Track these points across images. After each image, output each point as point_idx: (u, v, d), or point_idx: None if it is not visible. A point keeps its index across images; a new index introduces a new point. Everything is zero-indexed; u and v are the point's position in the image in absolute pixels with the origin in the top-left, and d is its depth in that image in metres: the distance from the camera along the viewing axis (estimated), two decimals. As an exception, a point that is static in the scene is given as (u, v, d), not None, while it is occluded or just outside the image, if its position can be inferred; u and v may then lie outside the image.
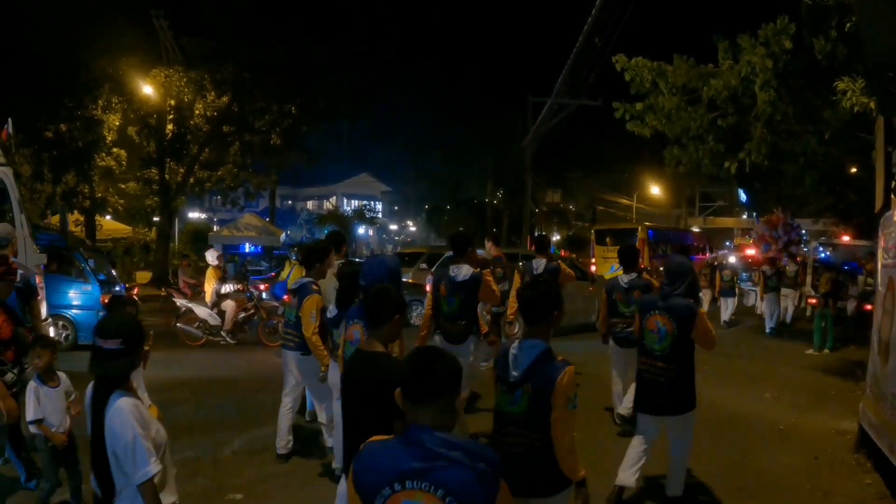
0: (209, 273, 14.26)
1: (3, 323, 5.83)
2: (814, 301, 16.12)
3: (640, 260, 9.93)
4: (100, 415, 3.33)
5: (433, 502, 2.44)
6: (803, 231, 28.07)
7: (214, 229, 38.05)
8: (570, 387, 3.82)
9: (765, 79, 12.08)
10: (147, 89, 23.94)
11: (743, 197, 54.25)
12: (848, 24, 10.67)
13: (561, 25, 66.90)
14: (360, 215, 52.85)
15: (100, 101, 23.19)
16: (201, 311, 14.04)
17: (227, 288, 15.30)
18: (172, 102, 25.27)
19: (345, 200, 70.88)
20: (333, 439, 6.80)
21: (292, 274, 10.21)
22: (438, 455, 2.47)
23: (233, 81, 25.16)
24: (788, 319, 18.84)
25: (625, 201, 50.93)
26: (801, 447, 8.29)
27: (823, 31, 11.45)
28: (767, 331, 17.46)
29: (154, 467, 3.19)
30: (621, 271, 8.55)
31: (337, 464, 6.31)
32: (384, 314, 4.16)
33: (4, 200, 10.00)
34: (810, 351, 14.73)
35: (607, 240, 28.38)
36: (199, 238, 35.74)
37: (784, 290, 18.39)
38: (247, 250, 34.57)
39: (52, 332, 9.54)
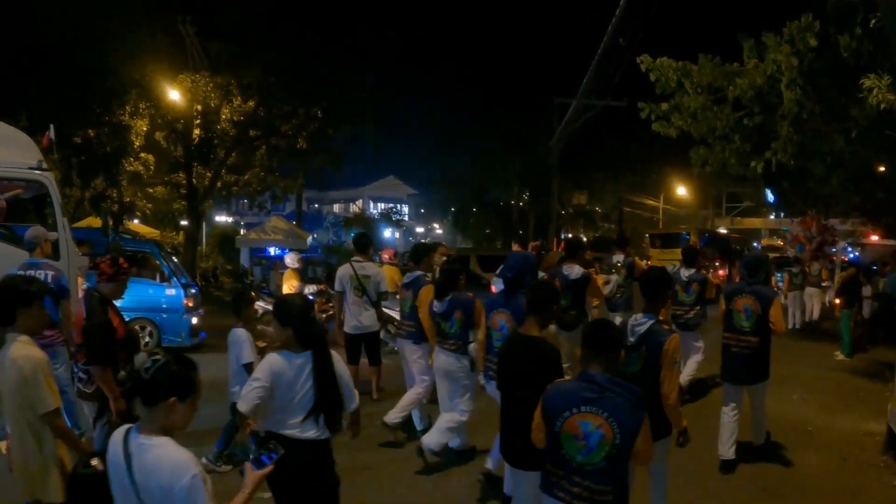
0: (288, 275, 14.34)
1: (119, 324, 6.02)
2: (837, 301, 15.94)
3: (699, 258, 10.85)
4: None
5: (599, 421, 3.73)
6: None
7: (241, 233, 38.26)
8: (675, 350, 4.97)
9: (790, 77, 11.95)
10: (174, 94, 24.12)
11: (770, 197, 53.69)
12: (873, 21, 10.57)
13: (585, 26, 66.73)
14: (387, 218, 52.95)
15: (127, 107, 23.41)
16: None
17: (311, 289, 15.45)
18: (199, 107, 25.44)
19: (371, 203, 71.11)
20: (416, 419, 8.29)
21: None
22: (606, 389, 3.77)
23: (259, 86, 25.28)
24: (815, 317, 18.65)
25: (651, 202, 50.63)
26: (829, 448, 8.24)
27: (849, 28, 11.33)
28: (789, 326, 17.25)
29: None
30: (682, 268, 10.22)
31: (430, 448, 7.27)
32: (543, 303, 5.07)
33: (47, 204, 10.21)
34: (839, 354, 14.43)
35: (657, 242, 32.29)
36: (226, 241, 36.04)
37: (809, 290, 18.23)
38: (272, 253, 34.67)
39: None
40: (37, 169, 9.97)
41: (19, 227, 9.60)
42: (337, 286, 9.72)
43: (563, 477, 3.88)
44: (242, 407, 4.49)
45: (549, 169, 34.60)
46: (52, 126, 11.36)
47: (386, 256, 14.61)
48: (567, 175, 39.21)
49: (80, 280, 9.92)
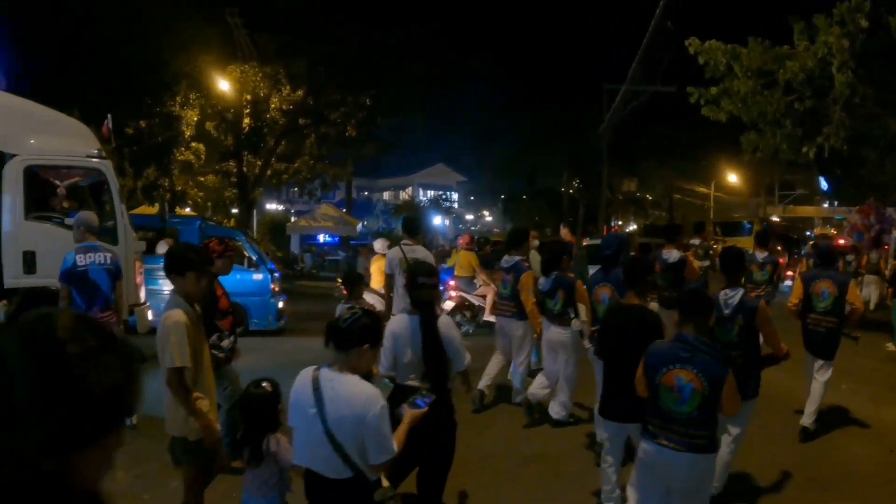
0: (377, 259, 14.42)
1: (223, 296, 6.70)
2: (889, 291, 15.55)
3: (770, 242, 11.52)
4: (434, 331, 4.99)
5: (691, 376, 4.40)
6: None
7: (292, 220, 38.62)
8: (766, 311, 5.88)
9: (842, 60, 11.69)
10: (223, 85, 24.43)
11: (824, 185, 52.52)
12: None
13: (634, 10, 65.88)
14: (436, 205, 52.99)
15: (178, 98, 23.92)
16: (370, 298, 14.27)
17: None
18: (248, 97, 25.74)
19: (421, 191, 71.17)
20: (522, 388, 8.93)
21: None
22: (696, 349, 4.45)
23: (307, 75, 25.52)
24: (871, 307, 18.21)
25: (702, 189, 49.78)
26: (877, 440, 8.09)
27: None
28: None
29: None
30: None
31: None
32: (639, 276, 5.86)
33: (105, 192, 10.52)
34: (890, 345, 14.04)
35: (718, 230, 33.52)
36: (276, 229, 36.38)
37: (867, 277, 17.84)
38: (321, 241, 35.01)
39: (150, 315, 9.92)
40: (95, 157, 10.35)
41: (74, 214, 9.89)
42: (386, 269, 9.67)
43: (660, 426, 4.55)
44: (380, 369, 5.15)
45: (598, 156, 34.33)
46: (109, 116, 11.67)
47: (462, 242, 14.70)
48: (617, 162, 38.80)
49: (137, 264, 10.27)
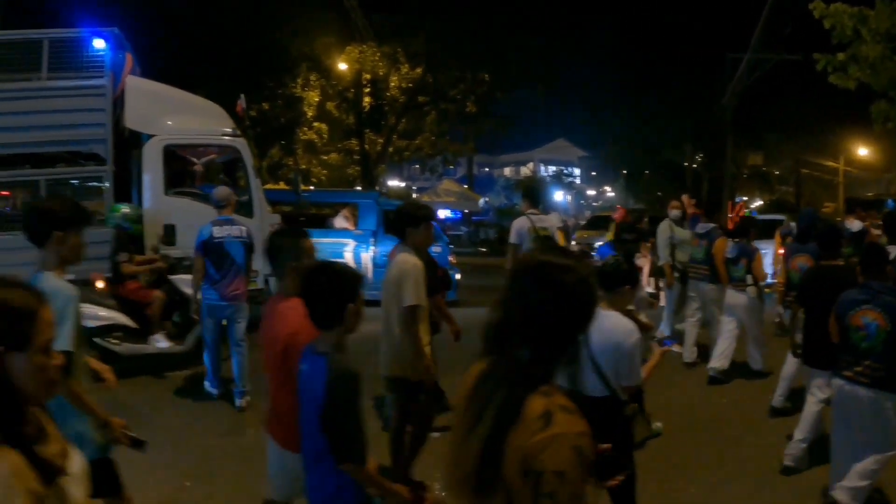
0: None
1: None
2: None
3: None
4: None
5: (875, 315, 5.13)
6: None
7: (414, 196, 39.16)
8: None
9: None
10: (342, 66, 25.02)
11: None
12: None
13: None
14: (558, 180, 52.62)
15: (299, 80, 24.74)
16: None
17: None
18: (368, 76, 26.29)
19: (542, 166, 70.88)
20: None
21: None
22: (879, 292, 5.19)
23: (425, 53, 25.84)
24: None
25: (831, 164, 47.32)
26: None
27: None
28: None
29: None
30: None
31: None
32: (833, 243, 6.65)
33: (240, 168, 11.16)
34: None
35: (856, 209, 31.88)
36: (399, 205, 36.92)
37: None
38: (441, 217, 35.37)
39: (259, 282, 10.50)
40: (230, 135, 10.91)
41: (207, 188, 10.51)
42: (514, 238, 9.45)
43: (850, 362, 5.24)
44: None
45: (722, 128, 33.29)
46: (242, 95, 12.28)
47: (618, 216, 14.67)
48: (742, 135, 37.31)
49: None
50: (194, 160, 11.58)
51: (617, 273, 4.52)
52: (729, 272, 9.04)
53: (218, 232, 8.01)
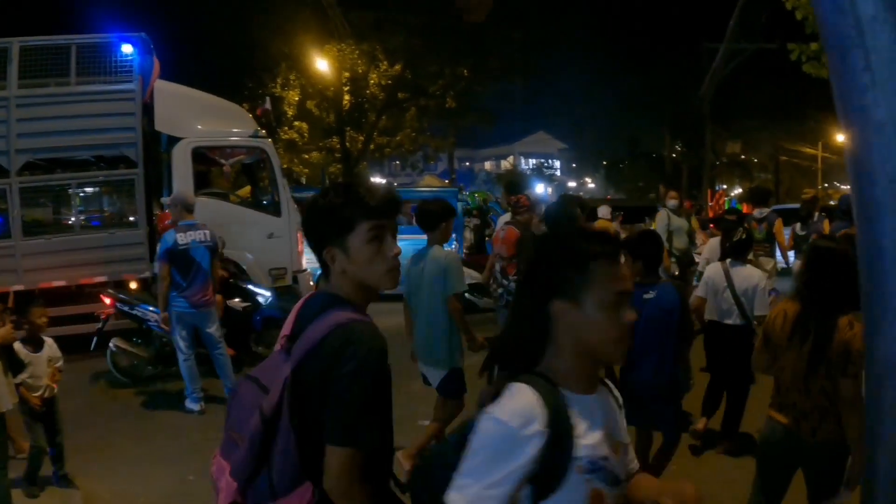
0: (601, 224, 14.53)
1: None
2: None
3: None
4: None
5: None
6: None
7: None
8: None
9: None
10: (322, 64, 24.98)
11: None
12: None
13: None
14: (539, 172, 52.75)
15: (278, 80, 24.70)
16: None
17: None
18: (347, 75, 26.17)
19: (522, 159, 70.98)
20: None
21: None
22: None
23: (403, 49, 25.79)
24: None
25: (809, 150, 47.81)
26: None
27: None
28: None
29: None
30: None
31: None
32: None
33: (266, 169, 11.49)
34: None
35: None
36: (380, 201, 36.88)
37: None
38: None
39: (310, 281, 10.62)
40: (258, 136, 11.32)
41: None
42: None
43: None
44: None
45: (700, 117, 33.49)
46: (268, 98, 12.56)
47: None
48: (720, 123, 37.63)
49: (298, 234, 10.95)
50: (222, 161, 11.76)
51: (743, 242, 6.59)
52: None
53: (182, 238, 7.90)
